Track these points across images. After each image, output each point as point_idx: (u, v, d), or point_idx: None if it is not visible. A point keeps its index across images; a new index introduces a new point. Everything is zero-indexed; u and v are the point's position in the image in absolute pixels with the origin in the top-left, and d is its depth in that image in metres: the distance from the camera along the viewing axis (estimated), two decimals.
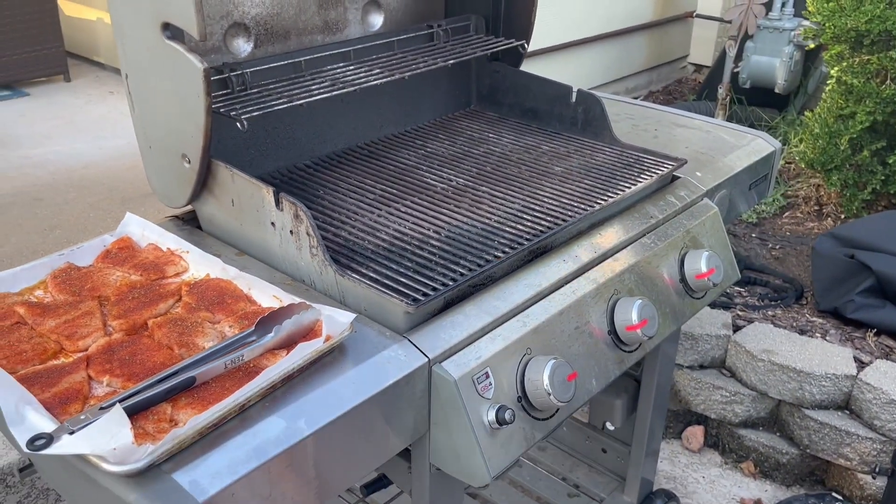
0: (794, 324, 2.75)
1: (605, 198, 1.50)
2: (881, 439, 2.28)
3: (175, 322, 1.11)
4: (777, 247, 3.46)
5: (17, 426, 0.88)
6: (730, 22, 4.22)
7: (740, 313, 2.80)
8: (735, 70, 4.31)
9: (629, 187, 1.54)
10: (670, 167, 1.63)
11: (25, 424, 0.89)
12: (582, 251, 1.40)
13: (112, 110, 4.02)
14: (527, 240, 1.34)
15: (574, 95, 1.81)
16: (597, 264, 1.40)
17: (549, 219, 1.42)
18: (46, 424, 0.89)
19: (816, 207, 3.72)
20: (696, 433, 2.61)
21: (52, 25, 4.24)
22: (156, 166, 1.42)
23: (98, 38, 4.77)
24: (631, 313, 1.34)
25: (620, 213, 1.54)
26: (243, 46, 1.58)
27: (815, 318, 2.82)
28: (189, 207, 1.44)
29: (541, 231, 1.37)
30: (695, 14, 5.42)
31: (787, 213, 3.74)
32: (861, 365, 2.42)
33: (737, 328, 2.61)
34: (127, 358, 1.03)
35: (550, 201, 1.49)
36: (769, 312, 2.83)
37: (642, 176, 1.59)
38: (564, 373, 1.19)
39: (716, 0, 5.32)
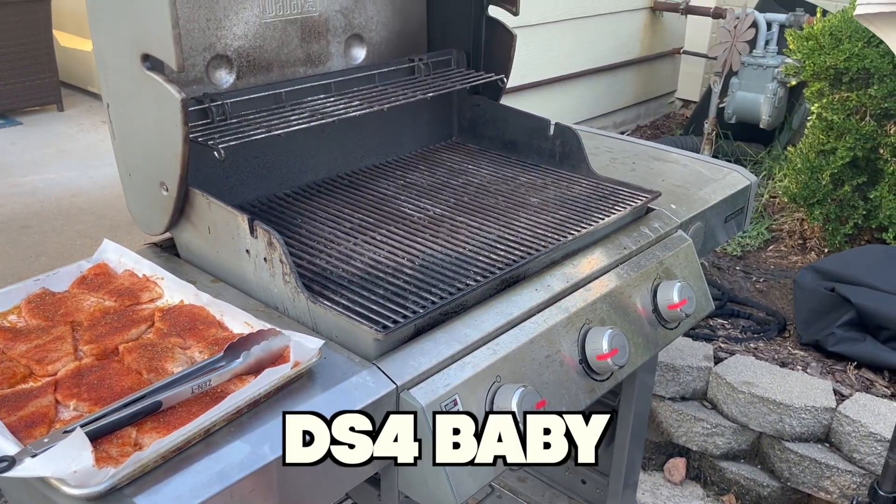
0: (776, 356, 2.76)
1: (579, 228, 1.52)
2: (860, 472, 2.28)
3: (146, 347, 1.12)
4: (761, 280, 3.49)
5: None
6: (714, 59, 4.30)
7: (722, 345, 2.81)
8: (720, 105, 4.38)
9: (603, 218, 1.56)
10: (644, 199, 1.66)
11: None
12: (554, 281, 1.42)
13: (103, 139, 4.05)
14: (499, 269, 1.36)
15: (552, 128, 1.85)
16: (569, 294, 1.42)
17: (522, 248, 1.44)
18: (10, 447, 0.90)
19: (800, 241, 3.76)
20: (677, 465, 2.61)
21: (47, 56, 4.30)
22: (135, 194, 1.44)
23: (92, 68, 4.82)
24: (602, 342, 1.36)
25: (594, 244, 1.56)
26: (225, 77, 1.61)
27: (796, 351, 2.83)
28: (168, 235, 1.46)
29: (514, 260, 1.39)
30: (682, 50, 5.51)
31: (771, 247, 3.77)
32: (841, 398, 2.43)
33: (718, 360, 2.62)
34: (95, 382, 1.04)
35: (525, 231, 1.51)
36: (751, 345, 2.85)
37: (617, 207, 1.62)
38: (533, 401, 1.20)
39: (703, 37, 5.42)
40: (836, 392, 2.46)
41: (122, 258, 1.36)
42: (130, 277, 1.32)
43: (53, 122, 4.29)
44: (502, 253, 1.42)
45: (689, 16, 5.15)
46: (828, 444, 2.38)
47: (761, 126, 4.42)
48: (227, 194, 1.58)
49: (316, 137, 1.73)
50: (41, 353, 1.10)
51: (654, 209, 1.72)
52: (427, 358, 1.18)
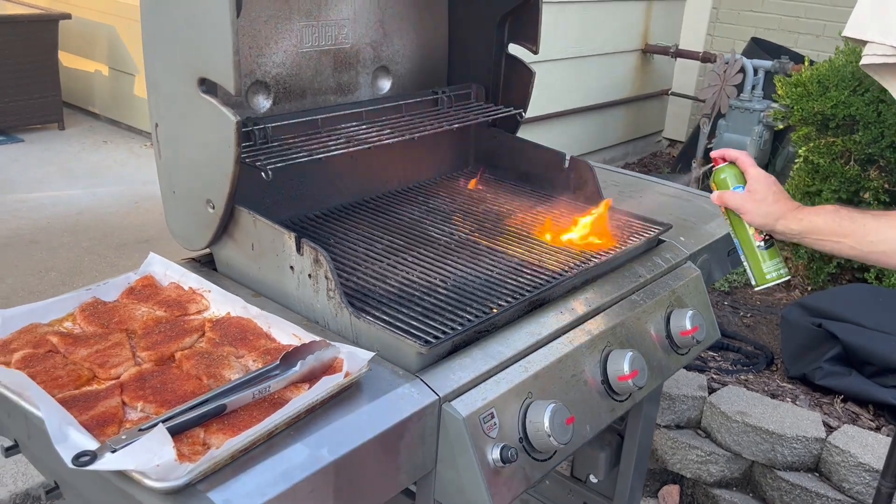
0: (766, 388, 2.85)
1: (598, 256, 1.60)
2: (850, 501, 2.36)
3: (202, 355, 1.17)
4: (748, 315, 3.60)
5: (61, 444, 0.94)
6: (703, 101, 4.47)
7: (714, 377, 2.90)
8: (709, 146, 4.54)
9: (620, 248, 1.65)
10: (657, 231, 1.75)
11: (69, 442, 0.94)
12: (577, 304, 1.50)
13: (105, 158, 4.09)
14: (527, 291, 1.44)
15: (567, 162, 1.94)
16: (590, 317, 1.50)
17: (547, 273, 1.52)
18: (89, 443, 0.95)
19: None
20: (672, 492, 2.67)
21: (52, 76, 4.35)
22: (178, 211, 1.50)
23: (94, 89, 4.87)
24: (623, 364, 1.43)
25: (611, 271, 1.64)
26: (263, 102, 1.68)
27: (784, 384, 2.93)
28: (203, 250, 1.52)
29: (540, 284, 1.47)
30: (669, 92, 5.69)
31: None
32: (829, 429, 2.53)
33: (711, 390, 2.70)
34: (158, 386, 1.09)
35: (547, 257, 1.59)
36: (742, 377, 2.94)
37: (632, 238, 1.71)
38: (563, 416, 1.27)
39: (690, 79, 5.61)
40: (824, 423, 2.55)
41: (167, 271, 1.42)
42: (177, 290, 1.38)
43: (55, 141, 4.33)
44: (528, 277, 1.50)
45: (678, 59, 5.34)
46: (818, 474, 2.47)
47: None
48: (263, 213, 1.64)
49: (345, 162, 1.80)
50: (102, 358, 1.15)
51: (664, 241, 1.81)
52: (466, 372, 1.25)
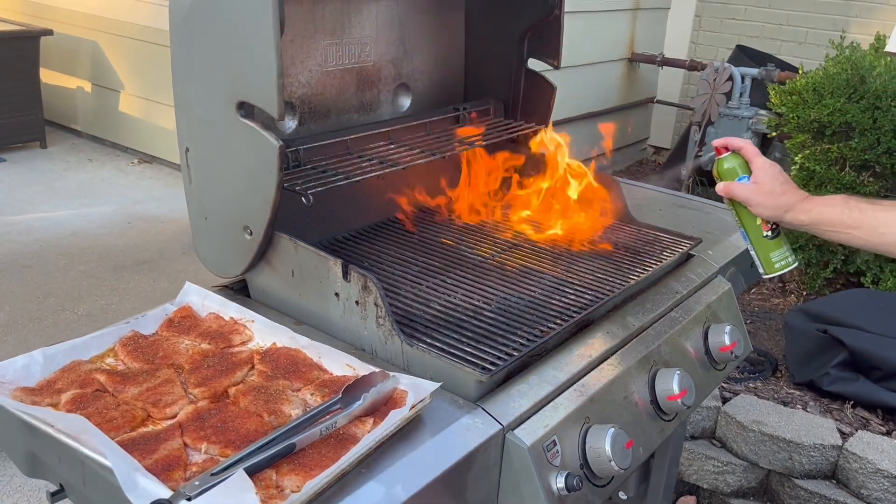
0: (776, 396, 2.86)
1: (636, 274, 1.59)
2: None
3: (258, 390, 1.13)
4: (748, 321, 3.61)
5: (132, 492, 0.89)
6: (689, 108, 4.50)
7: (724, 385, 2.90)
8: (699, 154, 4.57)
9: (656, 264, 1.63)
10: (688, 245, 1.74)
11: (139, 491, 0.90)
12: (621, 324, 1.48)
13: (93, 177, 3.99)
14: (575, 312, 1.41)
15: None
16: (635, 336, 1.48)
17: (590, 293, 1.50)
18: (160, 490, 0.90)
19: (780, 284, 3.92)
20: (689, 503, 2.66)
21: (33, 94, 4.25)
22: (211, 237, 1.46)
23: (77, 106, 4.77)
24: (672, 384, 1.41)
25: (648, 288, 1.63)
26: (289, 123, 1.65)
27: (793, 391, 2.94)
28: (235, 277, 1.47)
29: (586, 304, 1.45)
30: (655, 100, 5.73)
31: (753, 290, 3.92)
32: (844, 436, 2.54)
33: (724, 400, 2.70)
34: (219, 425, 1.05)
35: (586, 275, 1.57)
36: (750, 385, 2.95)
37: (664, 253, 1.69)
38: (623, 440, 1.25)
39: (674, 87, 5.65)
40: (838, 430, 2.56)
41: (205, 301, 1.37)
42: (217, 320, 1.33)
43: (38, 160, 4.22)
44: (572, 297, 1.48)
45: (663, 67, 5.38)
46: (835, 481, 2.48)
47: None
48: (296, 238, 1.60)
49: (371, 182, 1.76)
50: (155, 396, 1.10)
51: (693, 255, 1.80)
52: (525, 399, 1.22)
